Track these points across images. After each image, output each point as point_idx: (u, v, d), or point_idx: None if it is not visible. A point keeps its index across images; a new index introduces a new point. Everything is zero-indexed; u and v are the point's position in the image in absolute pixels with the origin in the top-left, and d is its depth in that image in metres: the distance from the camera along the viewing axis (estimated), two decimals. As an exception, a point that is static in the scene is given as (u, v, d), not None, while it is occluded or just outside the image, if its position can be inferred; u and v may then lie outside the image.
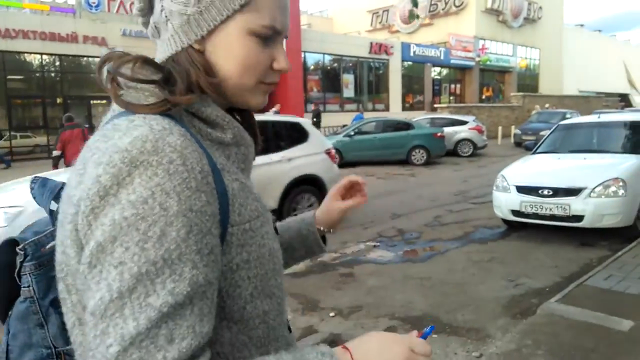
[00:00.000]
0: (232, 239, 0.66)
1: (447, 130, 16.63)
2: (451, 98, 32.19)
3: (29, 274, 0.71)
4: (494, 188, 6.51)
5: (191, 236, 0.58)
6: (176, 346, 0.54)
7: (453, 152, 16.92)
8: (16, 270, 0.72)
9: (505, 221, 6.59)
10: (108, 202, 0.57)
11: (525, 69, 37.19)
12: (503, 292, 4.40)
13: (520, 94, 29.40)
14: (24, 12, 17.69)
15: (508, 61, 35.29)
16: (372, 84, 27.71)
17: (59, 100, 18.30)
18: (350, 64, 26.22)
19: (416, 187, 10.77)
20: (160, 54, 0.73)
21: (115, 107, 0.68)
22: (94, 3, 18.22)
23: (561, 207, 5.67)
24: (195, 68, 0.70)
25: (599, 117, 7.36)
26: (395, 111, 26.61)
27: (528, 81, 37.42)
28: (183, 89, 0.67)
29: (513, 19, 34.57)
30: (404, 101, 28.93)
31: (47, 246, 0.72)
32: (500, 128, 22.60)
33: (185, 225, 0.57)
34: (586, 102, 32.04)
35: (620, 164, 5.97)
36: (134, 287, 0.54)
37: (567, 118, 16.10)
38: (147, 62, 0.68)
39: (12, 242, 0.74)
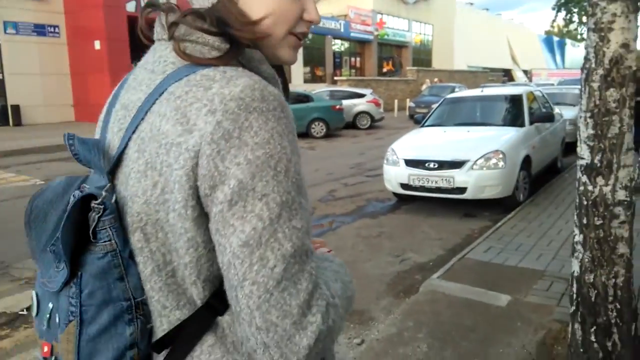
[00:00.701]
0: None
1: (346, 103, 16.69)
2: (352, 71, 32.52)
3: (109, 227, 0.67)
4: (384, 161, 6.46)
5: (301, 171, 0.65)
6: (312, 256, 0.64)
7: (352, 125, 17.06)
8: (92, 226, 0.66)
9: (395, 194, 6.60)
10: (234, 145, 0.61)
11: (419, 44, 38.55)
12: (389, 269, 4.31)
13: (415, 68, 30.47)
14: None
15: (404, 36, 36.30)
16: (273, 55, 27.01)
17: None
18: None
19: (314, 161, 10.60)
20: (196, 5, 0.73)
21: (167, 59, 0.71)
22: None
23: (446, 179, 5.74)
24: (233, 19, 0.70)
25: (482, 90, 7.59)
26: (297, 83, 26.27)
27: (423, 56, 38.88)
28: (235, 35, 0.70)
29: (409, -6, 35.46)
30: (305, 73, 28.66)
31: (112, 200, 0.68)
32: (396, 101, 23.22)
33: (298, 162, 0.65)
34: (474, 76, 34.12)
35: (501, 136, 6.17)
36: (279, 214, 0.60)
37: (456, 92, 16.88)
38: (198, 14, 0.71)
39: (91, 196, 0.68)
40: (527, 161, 6.21)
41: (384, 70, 34.14)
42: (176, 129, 0.63)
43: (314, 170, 9.34)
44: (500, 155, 5.71)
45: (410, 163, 6.06)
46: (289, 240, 0.60)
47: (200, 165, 0.61)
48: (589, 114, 2.20)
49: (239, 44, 0.70)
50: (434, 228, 5.53)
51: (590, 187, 2.23)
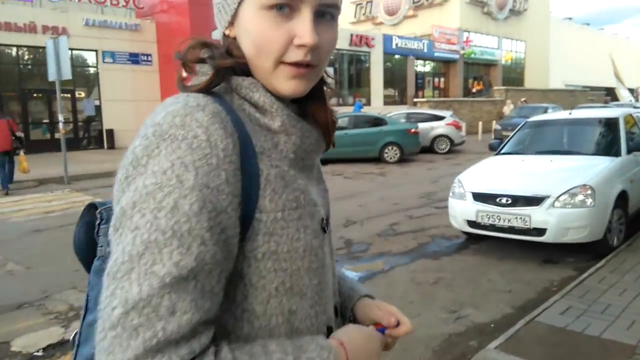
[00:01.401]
0: (259, 225, 0.65)
1: (424, 126, 15.91)
2: (435, 92, 31.43)
3: (103, 235, 0.75)
4: (450, 194, 5.74)
5: (204, 212, 0.58)
6: (177, 319, 0.54)
7: (429, 149, 16.19)
8: (95, 230, 0.78)
9: (464, 231, 5.83)
10: (138, 172, 0.60)
11: (510, 62, 36.48)
12: (439, 329, 3.63)
13: (503, 87, 28.69)
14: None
15: (493, 54, 34.55)
16: (353, 77, 26.82)
17: (17, 93, 17.29)
18: (330, 57, 25.28)
19: (382, 188, 10.00)
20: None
21: None
22: (53, -9, 17.12)
23: (521, 218, 4.91)
24: (228, 54, 0.71)
25: (570, 113, 6.60)
26: (377, 105, 25.79)
27: (513, 75, 36.70)
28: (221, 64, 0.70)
29: (498, 11, 33.78)
30: (385, 95, 28.11)
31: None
32: (480, 123, 21.87)
33: (199, 200, 0.58)
34: (571, 96, 31.50)
35: (590, 167, 5.22)
36: (142, 252, 0.55)
37: (549, 113, 15.42)
38: (201, 45, 0.72)
39: (94, 205, 0.80)
40: (623, 198, 5.20)
41: (474, 90, 32.59)
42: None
43: (379, 199, 8.74)
44: (589, 191, 4.78)
45: (478, 197, 5.29)
46: (138, 285, 0.54)
47: (115, 189, 0.63)
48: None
49: (227, 72, 0.70)
50: (504, 276, 4.72)
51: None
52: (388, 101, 27.79)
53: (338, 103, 24.72)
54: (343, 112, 17.38)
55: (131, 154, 0.61)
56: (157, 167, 0.58)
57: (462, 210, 5.43)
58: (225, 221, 0.60)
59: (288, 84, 0.70)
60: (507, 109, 22.76)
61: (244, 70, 0.71)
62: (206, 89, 0.67)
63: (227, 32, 0.73)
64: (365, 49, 26.27)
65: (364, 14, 34.59)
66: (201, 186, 0.58)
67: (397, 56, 28.60)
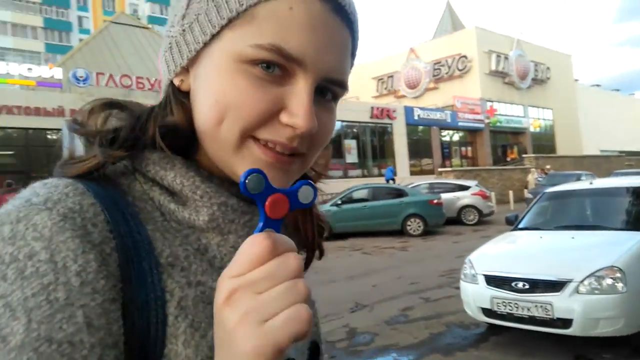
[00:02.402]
0: None
1: (449, 196, 15.37)
2: (463, 161, 31.01)
3: None
4: (461, 276, 5.13)
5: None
6: None
7: (457, 220, 15.48)
8: None
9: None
10: None
11: (539, 129, 35.99)
12: None
13: (533, 155, 28.00)
14: (12, 88, 17.67)
15: (520, 122, 34.25)
16: (377, 148, 26.80)
17: (47, 175, 17.83)
18: (352, 129, 25.51)
19: (400, 265, 9.36)
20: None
21: None
22: (81, 77, 18.09)
23: (541, 306, 4.24)
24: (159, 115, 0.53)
25: (591, 183, 6.00)
26: (403, 176, 25.49)
27: (544, 142, 36.04)
28: (126, 140, 0.51)
29: (520, 81, 33.88)
30: (411, 165, 27.85)
31: None
32: (511, 192, 21.06)
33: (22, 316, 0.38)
34: (607, 162, 30.46)
35: (619, 245, 4.56)
36: None
37: (582, 180, 14.69)
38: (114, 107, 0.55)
39: None
40: (663, 280, 4.48)
41: (508, 159, 31.99)
42: None
43: (395, 278, 8.10)
44: (617, 274, 4.11)
45: (492, 281, 4.67)
46: None
47: None
48: None
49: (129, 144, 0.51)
50: (525, 377, 4.00)
51: None
52: (414, 171, 27.49)
53: (363, 174, 24.58)
54: (365, 183, 17.11)
55: None
56: None
57: (475, 296, 4.79)
58: None
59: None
60: (532, 177, 21.91)
61: (178, 146, 0.52)
62: (85, 175, 0.49)
63: (177, 82, 0.53)
64: (387, 120, 26.44)
65: (385, 88, 35.33)
66: (37, 342, 0.38)
67: (420, 127, 28.63)
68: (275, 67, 0.47)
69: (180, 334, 0.45)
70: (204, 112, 0.50)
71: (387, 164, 26.59)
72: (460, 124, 30.20)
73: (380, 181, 21.51)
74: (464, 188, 16.23)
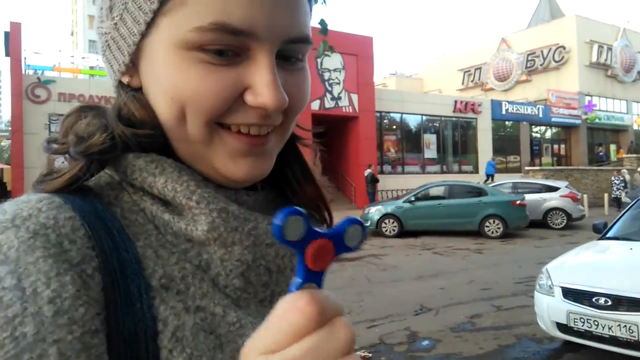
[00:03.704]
0: None
1: (535, 197, 14.41)
2: (554, 159, 28.94)
3: None
4: (536, 287, 4.72)
5: None
6: None
7: (542, 224, 14.46)
8: None
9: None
10: None
11: (644, 126, 32.71)
12: None
13: (634, 155, 25.44)
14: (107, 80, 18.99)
15: (622, 119, 31.28)
16: (458, 144, 25.73)
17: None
18: (432, 123, 24.70)
19: (474, 268, 8.88)
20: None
21: None
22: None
23: (625, 326, 3.76)
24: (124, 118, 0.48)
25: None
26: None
27: (648, 141, 32.73)
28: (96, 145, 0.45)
29: (624, 74, 30.88)
30: (495, 163, 26.48)
31: None
32: (606, 196, 19.29)
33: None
34: None
35: None
36: None
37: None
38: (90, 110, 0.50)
39: None
40: None
41: (615, 158, 29.36)
42: None
43: (467, 282, 7.68)
44: None
45: (570, 294, 4.22)
46: None
47: None
48: None
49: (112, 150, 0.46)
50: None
51: None
52: (499, 168, 26.03)
53: (442, 170, 23.78)
54: (443, 179, 16.50)
55: None
56: None
57: (550, 309, 4.37)
58: None
59: (235, 166, 0.46)
60: (615, 179, 19.26)
61: (155, 144, 0.47)
62: (64, 189, 0.43)
63: (125, 80, 0.49)
64: (471, 115, 25.28)
65: (472, 81, 33.84)
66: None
67: (508, 122, 27.08)
68: (227, 52, 0.42)
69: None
70: (162, 112, 0.46)
71: (468, 160, 25.52)
72: (553, 119, 28.14)
73: (460, 178, 20.68)
74: (553, 189, 15.10)
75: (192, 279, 0.43)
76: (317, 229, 0.33)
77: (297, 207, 0.32)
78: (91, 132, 0.46)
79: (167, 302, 0.41)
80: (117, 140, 0.46)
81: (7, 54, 16.63)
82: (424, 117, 24.02)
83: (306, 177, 0.55)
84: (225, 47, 0.42)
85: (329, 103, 19.49)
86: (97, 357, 0.36)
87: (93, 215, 0.42)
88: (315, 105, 18.93)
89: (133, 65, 0.47)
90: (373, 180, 18.45)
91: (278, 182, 0.55)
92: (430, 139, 24.20)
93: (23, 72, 16.61)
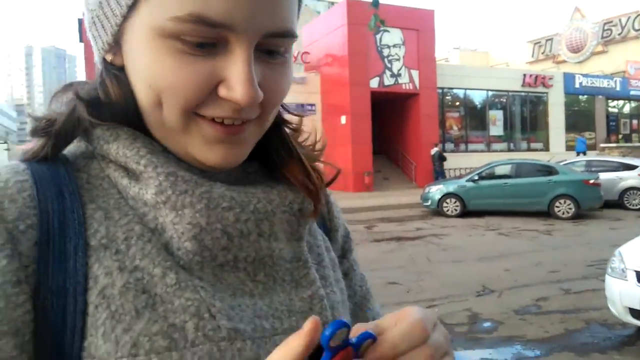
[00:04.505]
0: None
1: (609, 176, 13.51)
2: (634, 135, 26.95)
3: None
4: (608, 270, 4.48)
5: None
6: None
7: (618, 204, 13.59)
8: None
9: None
10: None
11: None
12: None
13: None
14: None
15: None
16: (527, 120, 24.49)
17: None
18: (499, 99, 23.65)
19: (542, 250, 8.53)
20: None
21: None
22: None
23: None
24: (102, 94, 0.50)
25: None
26: (557, 151, 23.10)
27: None
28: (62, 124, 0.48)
29: None
30: (568, 140, 25.03)
31: None
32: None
33: None
34: None
35: None
36: None
37: None
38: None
39: None
40: None
41: None
42: None
43: (533, 264, 7.40)
44: None
45: (645, 279, 3.99)
46: None
47: None
48: None
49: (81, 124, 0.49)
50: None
51: None
52: (572, 145, 24.67)
53: (508, 148, 22.84)
54: (510, 157, 15.84)
55: None
56: None
57: (622, 294, 4.15)
58: None
59: (211, 152, 0.46)
60: None
61: (131, 120, 0.48)
62: (32, 158, 0.47)
63: (108, 58, 0.49)
64: (541, 89, 23.95)
65: (542, 53, 32.04)
66: None
67: (582, 96, 25.43)
68: (204, 45, 0.43)
69: (99, 326, 0.41)
70: (141, 97, 0.47)
71: (537, 137, 24.30)
72: (632, 92, 26.13)
73: (529, 156, 19.74)
74: (631, 167, 14.10)
75: (137, 240, 0.45)
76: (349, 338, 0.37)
77: (346, 321, 0.36)
78: (52, 116, 0.49)
79: (101, 261, 0.43)
80: (75, 122, 0.49)
81: (81, 40, 17.60)
82: (490, 93, 23.04)
83: (292, 156, 0.56)
84: (202, 39, 0.42)
85: (388, 80, 19.13)
86: (16, 305, 0.39)
87: (49, 179, 0.45)
88: (374, 83, 18.68)
89: (117, 44, 0.48)
90: (441, 159, 18.12)
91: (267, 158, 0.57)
92: (496, 115, 23.22)
93: (97, 58, 17.56)
